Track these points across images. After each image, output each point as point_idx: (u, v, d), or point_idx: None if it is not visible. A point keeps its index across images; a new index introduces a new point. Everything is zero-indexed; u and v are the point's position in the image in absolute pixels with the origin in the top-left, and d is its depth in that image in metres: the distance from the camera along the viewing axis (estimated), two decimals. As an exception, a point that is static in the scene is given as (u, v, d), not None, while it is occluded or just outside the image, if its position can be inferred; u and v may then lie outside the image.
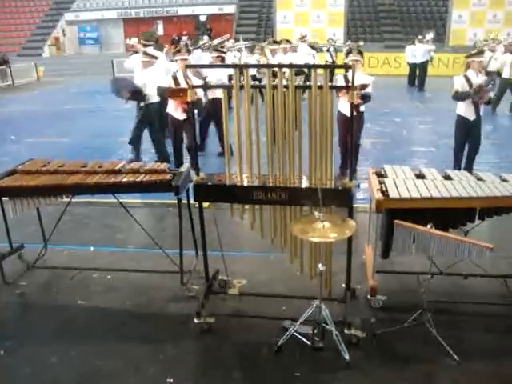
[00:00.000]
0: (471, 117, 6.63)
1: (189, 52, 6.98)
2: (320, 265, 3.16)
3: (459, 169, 6.91)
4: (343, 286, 3.84)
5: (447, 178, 3.90)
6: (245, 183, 3.54)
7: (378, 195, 3.47)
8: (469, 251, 3.16)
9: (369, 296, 3.91)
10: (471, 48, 16.53)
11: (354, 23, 24.27)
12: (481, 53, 7.11)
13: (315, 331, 3.35)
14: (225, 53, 9.64)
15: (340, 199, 3.29)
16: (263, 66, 3.31)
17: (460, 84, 6.52)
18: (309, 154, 3.38)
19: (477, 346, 3.48)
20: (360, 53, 6.52)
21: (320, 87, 3.18)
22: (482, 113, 6.69)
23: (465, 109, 6.65)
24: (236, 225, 4.56)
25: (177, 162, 7.19)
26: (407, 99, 14.82)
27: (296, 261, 3.70)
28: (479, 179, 3.90)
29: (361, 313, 3.80)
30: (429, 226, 3.17)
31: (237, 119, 3.47)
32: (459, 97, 6.49)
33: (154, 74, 7.24)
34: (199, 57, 12.98)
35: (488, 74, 11.76)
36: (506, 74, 12.01)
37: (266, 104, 3.33)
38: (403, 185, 3.63)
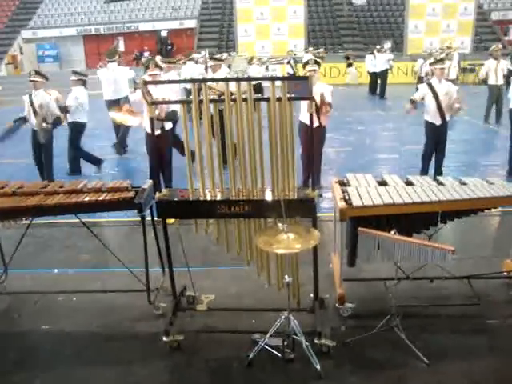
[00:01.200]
0: (437, 122, 6.89)
1: (158, 67, 6.88)
2: (286, 276, 3.15)
3: (426, 173, 7.15)
4: (311, 296, 3.84)
5: (409, 183, 3.97)
6: (208, 198, 3.51)
7: (341, 204, 3.50)
8: (432, 255, 3.21)
9: (337, 305, 3.92)
10: (428, 56, 16.96)
11: (314, 35, 24.65)
12: (441, 60, 7.36)
13: (285, 343, 3.33)
14: (222, 61, 9.72)
15: (303, 210, 3.30)
16: (221, 80, 3.29)
17: (423, 91, 6.87)
18: (270, 165, 3.39)
19: (445, 347, 3.54)
20: (317, 63, 6.60)
21: (279, 99, 3.19)
22: (448, 118, 6.95)
23: (431, 114, 6.91)
24: (204, 239, 4.52)
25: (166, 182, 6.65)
26: (369, 107, 15.09)
27: (263, 273, 3.69)
28: (440, 184, 3.98)
29: (330, 322, 3.81)
30: (392, 232, 3.21)
31: (197, 134, 3.46)
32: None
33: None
34: (193, 70, 13.13)
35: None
36: (492, 81, 11.87)
37: (225, 118, 3.33)
38: (366, 192, 3.67)
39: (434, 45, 21.92)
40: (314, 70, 6.44)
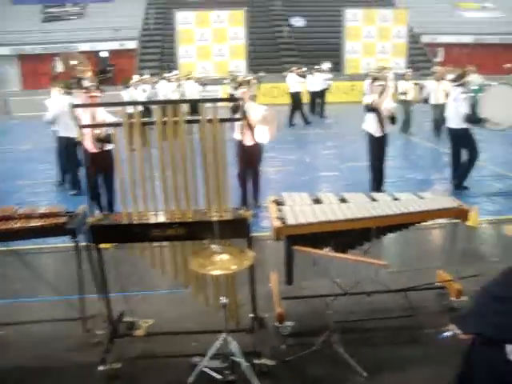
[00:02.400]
0: (377, 133, 7.23)
1: (99, 89, 6.77)
2: (222, 297, 3.14)
3: (377, 183, 7.52)
4: (250, 315, 3.83)
5: (343, 200, 4.06)
6: (142, 221, 3.46)
7: (276, 223, 3.53)
8: (366, 270, 3.28)
9: (277, 323, 3.93)
10: (365, 76, 17.53)
11: (255, 55, 24.95)
12: (376, 79, 7.72)
13: (225, 365, 3.31)
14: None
15: (238, 230, 3.31)
16: (153, 102, 3.29)
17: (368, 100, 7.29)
18: (204, 187, 3.39)
19: (383, 359, 3.62)
20: (248, 83, 6.90)
21: (210, 121, 3.21)
22: (387, 131, 7.29)
23: (372, 126, 7.25)
24: (142, 263, 4.44)
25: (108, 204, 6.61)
26: (309, 126, 15.37)
27: (200, 295, 3.66)
28: (373, 199, 4.10)
29: (270, 341, 3.82)
30: (327, 249, 3.27)
31: (129, 157, 3.41)
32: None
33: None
34: (166, 88, 12.99)
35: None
36: (433, 101, 12.31)
37: (157, 140, 3.31)
38: (300, 211, 3.72)
39: (370, 65, 22.70)
40: (245, 92, 6.77)
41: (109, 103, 3.83)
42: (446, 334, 1.78)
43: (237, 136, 6.75)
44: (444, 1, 32.19)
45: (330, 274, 3.43)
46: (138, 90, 13.51)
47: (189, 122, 3.28)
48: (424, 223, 4.42)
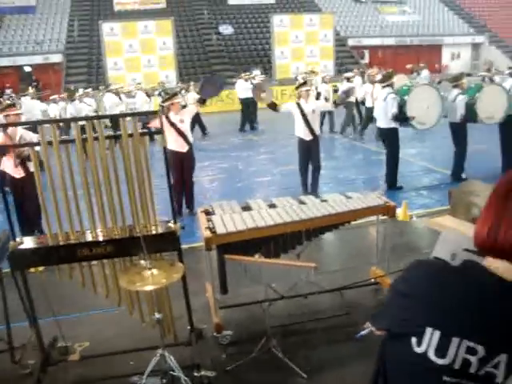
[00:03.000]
0: (307, 137, 7.37)
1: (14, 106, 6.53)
2: (156, 313, 3.10)
3: (306, 187, 7.67)
4: (188, 328, 3.80)
5: (272, 206, 4.11)
6: (68, 242, 3.35)
7: (206, 233, 3.53)
8: (297, 273, 3.33)
9: (215, 333, 3.92)
10: (294, 80, 17.85)
11: (185, 64, 24.88)
12: (305, 83, 7.88)
13: (164, 381, 3.25)
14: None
15: (167, 243, 3.27)
16: (68, 120, 3.20)
17: (291, 108, 7.47)
18: (129, 202, 3.33)
19: (323, 359, 3.68)
20: (175, 94, 6.96)
21: (131, 135, 3.17)
22: (317, 133, 7.48)
23: (301, 130, 7.41)
24: (73, 285, 4.30)
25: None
26: (242, 133, 15.46)
27: (135, 312, 3.58)
28: (302, 203, 4.17)
29: (210, 352, 3.80)
30: (257, 256, 3.29)
31: (49, 176, 3.30)
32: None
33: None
34: (112, 100, 12.62)
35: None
36: (369, 104, 12.47)
37: (77, 157, 3.23)
38: (230, 219, 3.73)
39: (300, 69, 23.16)
40: (172, 104, 6.89)
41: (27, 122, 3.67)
42: (362, 332, 1.84)
43: (171, 145, 6.76)
44: (367, 6, 33.48)
45: (265, 280, 3.45)
46: (82, 104, 13.09)
47: (109, 137, 3.21)
48: (357, 221, 4.60)
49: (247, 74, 17.61)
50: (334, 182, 8.83)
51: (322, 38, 25.33)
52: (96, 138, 3.14)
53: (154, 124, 6.62)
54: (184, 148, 6.85)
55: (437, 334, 1.18)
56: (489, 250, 1.21)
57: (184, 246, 5.37)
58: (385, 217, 4.35)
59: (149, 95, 15.58)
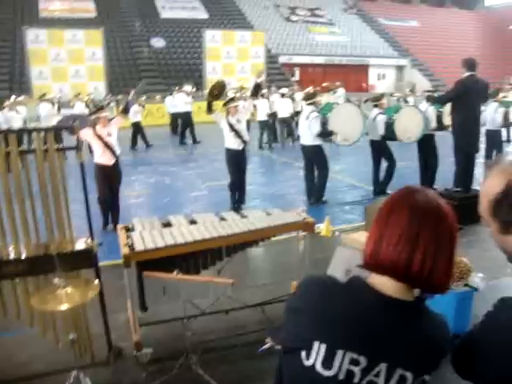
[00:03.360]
0: (239, 147, 7.51)
1: None
2: (71, 333, 3.02)
3: (239, 198, 7.74)
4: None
5: (193, 222, 4.12)
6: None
7: (124, 250, 3.48)
8: (215, 289, 3.36)
9: (135, 352, 3.85)
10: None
11: (115, 76, 24.41)
12: (232, 99, 7.97)
13: (79, 404, 3.16)
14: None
15: (82, 261, 3.20)
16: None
17: (220, 120, 7.55)
18: (44, 219, 3.24)
19: (243, 374, 3.71)
20: (102, 108, 6.87)
21: (46, 150, 3.09)
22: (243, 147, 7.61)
23: (231, 141, 7.49)
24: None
25: None
26: (172, 147, 15.36)
27: (49, 333, 3.46)
28: (222, 219, 4.21)
29: (129, 371, 3.73)
30: (175, 273, 3.29)
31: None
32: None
33: None
34: (47, 109, 12.08)
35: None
36: (281, 114, 13.66)
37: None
38: (149, 236, 3.70)
39: (231, 85, 23.38)
40: (98, 118, 6.75)
41: None
42: (264, 346, 1.91)
43: (97, 159, 6.67)
44: (298, 25, 34.54)
45: (184, 296, 3.45)
46: (13, 112, 12.50)
47: (24, 152, 3.12)
48: (282, 237, 4.67)
49: (178, 88, 17.56)
50: (261, 197, 8.95)
51: (253, 54, 25.81)
52: (8, 153, 3.04)
53: (83, 135, 6.50)
54: (110, 161, 6.73)
55: (323, 347, 1.25)
56: (373, 266, 1.30)
57: (107, 263, 5.32)
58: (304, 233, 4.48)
59: (88, 105, 15.24)
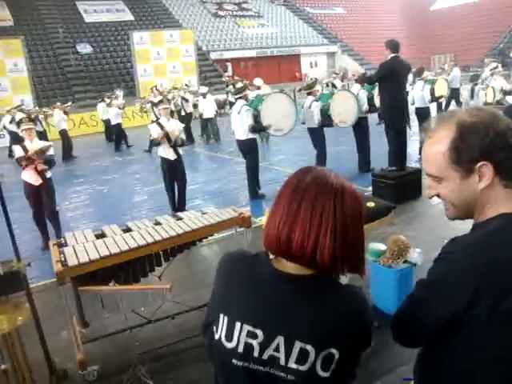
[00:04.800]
0: (172, 157, 7.26)
1: None
2: (2, 363, 2.86)
3: (174, 205, 7.52)
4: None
5: (127, 230, 4.00)
6: None
7: (57, 266, 3.33)
8: (153, 296, 3.28)
9: (80, 371, 3.71)
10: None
11: (42, 87, 23.50)
12: (161, 102, 7.79)
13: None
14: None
15: (10, 284, 3.02)
16: None
17: (155, 130, 7.19)
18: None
19: (193, 378, 3.64)
20: (32, 120, 6.54)
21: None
22: (181, 152, 7.39)
23: (164, 151, 7.27)
24: None
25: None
26: (108, 155, 14.95)
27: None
28: (157, 223, 4.12)
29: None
30: (111, 284, 3.19)
31: None
32: (156, 143, 7.30)
33: None
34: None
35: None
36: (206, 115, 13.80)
37: None
38: (83, 249, 3.55)
39: (164, 85, 23.06)
40: (30, 129, 6.48)
41: None
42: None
43: (25, 176, 6.33)
44: (227, 20, 34.45)
45: (125, 307, 3.35)
46: None
47: None
48: (225, 233, 4.56)
49: (109, 94, 17.15)
50: (202, 196, 8.86)
51: (183, 53, 25.52)
52: None
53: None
54: (37, 181, 6.37)
55: (226, 319, 1.25)
56: (267, 246, 1.28)
57: (49, 281, 5.12)
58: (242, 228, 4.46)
59: (66, 112, 14.96)
